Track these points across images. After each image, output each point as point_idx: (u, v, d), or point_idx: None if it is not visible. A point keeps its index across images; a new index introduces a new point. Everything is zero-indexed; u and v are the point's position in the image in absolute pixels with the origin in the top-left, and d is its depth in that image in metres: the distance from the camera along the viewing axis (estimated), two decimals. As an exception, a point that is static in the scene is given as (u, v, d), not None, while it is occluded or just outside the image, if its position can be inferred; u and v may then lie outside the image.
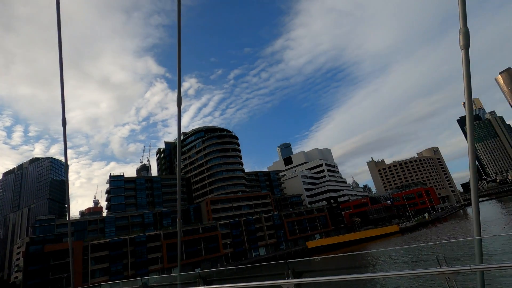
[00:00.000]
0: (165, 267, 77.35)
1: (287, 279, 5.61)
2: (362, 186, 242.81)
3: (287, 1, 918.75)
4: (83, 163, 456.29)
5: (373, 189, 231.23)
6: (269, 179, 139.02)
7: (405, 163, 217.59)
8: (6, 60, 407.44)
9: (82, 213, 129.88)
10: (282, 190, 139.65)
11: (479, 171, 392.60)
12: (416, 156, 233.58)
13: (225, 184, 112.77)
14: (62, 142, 11.46)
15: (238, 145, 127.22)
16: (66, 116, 10.86)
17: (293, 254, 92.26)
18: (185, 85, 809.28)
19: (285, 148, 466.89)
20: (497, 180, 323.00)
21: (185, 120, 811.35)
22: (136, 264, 74.76)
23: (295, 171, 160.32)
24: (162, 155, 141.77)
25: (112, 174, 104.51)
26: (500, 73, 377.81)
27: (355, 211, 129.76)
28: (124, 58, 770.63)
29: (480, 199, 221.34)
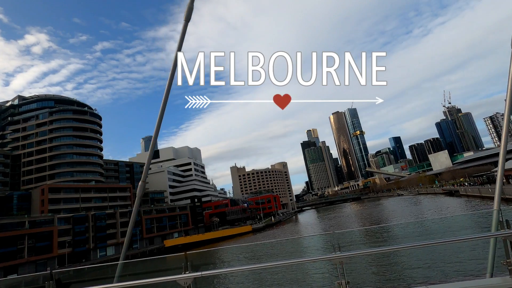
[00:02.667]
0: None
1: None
2: (220, 189, 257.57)
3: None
4: None
5: (229, 193, 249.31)
6: (131, 171, 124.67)
7: (261, 172, 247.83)
8: None
9: None
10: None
11: (308, 186, 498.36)
12: (270, 167, 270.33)
13: (74, 170, 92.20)
14: None
15: (101, 126, 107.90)
16: None
17: (148, 253, 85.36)
18: (29, 38, 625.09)
19: (150, 141, 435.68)
20: (318, 194, 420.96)
21: (19, 82, 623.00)
22: None
23: (162, 166, 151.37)
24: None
25: None
26: (332, 114, 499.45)
27: (216, 211, 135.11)
28: None
29: (305, 208, 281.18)
